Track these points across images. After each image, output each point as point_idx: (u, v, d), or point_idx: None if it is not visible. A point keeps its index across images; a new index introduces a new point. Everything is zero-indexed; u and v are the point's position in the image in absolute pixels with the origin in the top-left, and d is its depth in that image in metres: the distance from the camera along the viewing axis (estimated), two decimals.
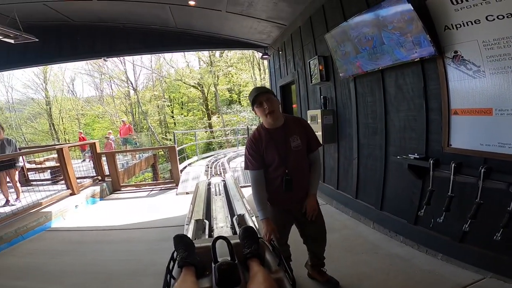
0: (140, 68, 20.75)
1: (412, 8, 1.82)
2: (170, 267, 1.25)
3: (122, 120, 13.22)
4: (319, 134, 3.34)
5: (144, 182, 8.57)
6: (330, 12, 3.03)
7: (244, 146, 1.75)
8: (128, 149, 9.99)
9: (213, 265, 1.21)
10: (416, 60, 2.00)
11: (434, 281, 1.86)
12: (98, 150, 5.69)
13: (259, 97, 1.54)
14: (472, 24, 1.60)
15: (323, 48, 3.26)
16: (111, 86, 21.74)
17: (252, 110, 1.63)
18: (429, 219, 2.02)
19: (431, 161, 1.95)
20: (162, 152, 14.16)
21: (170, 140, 18.76)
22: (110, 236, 3.27)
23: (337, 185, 3.49)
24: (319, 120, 3.38)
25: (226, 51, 17.37)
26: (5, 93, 20.49)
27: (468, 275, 1.85)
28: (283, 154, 1.60)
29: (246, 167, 1.67)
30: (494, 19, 1.49)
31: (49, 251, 2.88)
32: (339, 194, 3.43)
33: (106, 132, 10.67)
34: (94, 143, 5.72)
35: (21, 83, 19.87)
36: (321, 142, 1.81)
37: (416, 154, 2.12)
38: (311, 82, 3.66)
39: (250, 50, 12.51)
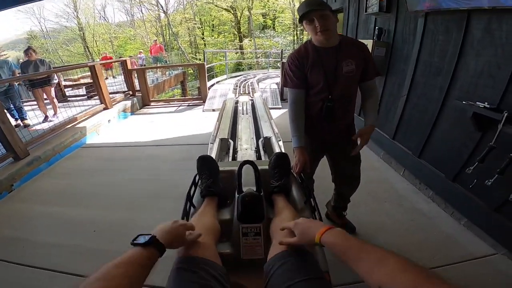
0: None
1: None
2: (191, 193, 1.16)
3: (154, 40, 12.92)
4: None
5: (172, 98, 8.74)
6: None
7: (286, 61, 1.48)
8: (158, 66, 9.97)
9: (236, 195, 1.09)
10: None
11: (449, 246, 1.78)
12: (129, 67, 5.67)
13: (310, 14, 1.25)
14: None
15: None
16: (141, 10, 21.68)
17: (299, 23, 1.34)
18: (472, 179, 1.79)
19: (505, 114, 1.60)
20: (192, 70, 14.04)
21: (200, 59, 18.73)
22: (137, 152, 3.41)
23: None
24: (370, 51, 2.91)
25: None
26: (37, 23, 21.51)
27: (483, 247, 1.76)
28: (331, 78, 1.35)
29: (285, 84, 1.46)
30: None
31: (83, 171, 3.01)
32: (374, 131, 3.18)
33: (137, 52, 10.61)
34: (125, 60, 5.67)
35: (52, 14, 20.23)
36: (380, 72, 1.51)
37: (486, 103, 1.76)
38: (366, 12, 3.04)
39: None
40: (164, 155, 3.28)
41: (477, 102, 1.79)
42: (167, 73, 8.97)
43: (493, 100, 1.76)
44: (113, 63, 8.39)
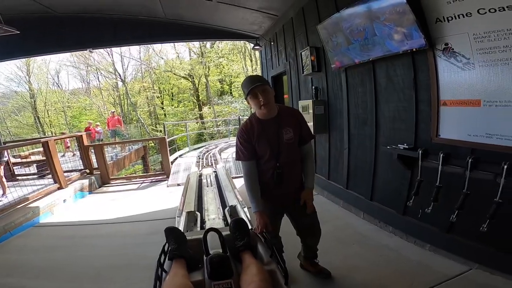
0: (128, 59, 20.22)
1: (405, 1, 1.80)
2: (162, 260, 1.24)
3: (111, 111, 12.93)
4: (310, 124, 3.33)
5: (134, 175, 8.47)
6: (323, 3, 3.00)
7: (236, 136, 1.70)
8: (117, 141, 9.80)
9: (205, 257, 1.21)
10: (407, 51, 2.00)
11: (423, 272, 1.91)
12: (86, 143, 5.56)
13: (254, 89, 1.47)
14: (463, 16, 1.60)
15: (315, 39, 3.23)
16: (98, 78, 21.19)
17: (245, 99, 1.58)
18: (417, 209, 2.06)
19: (420, 152, 1.98)
20: (153, 144, 13.99)
21: (161, 131, 18.59)
22: (100, 230, 3.23)
23: (328, 175, 3.52)
24: (311, 111, 3.39)
25: (217, 42, 17.07)
26: None
27: (455, 266, 1.90)
28: (275, 146, 1.57)
29: (238, 158, 1.62)
30: (485, 13, 1.49)
31: (39, 247, 2.83)
32: (330, 184, 3.48)
33: (94, 125, 10.42)
34: (81, 135, 5.58)
35: (3, 76, 19.18)
36: (313, 133, 1.80)
37: (405, 144, 2.15)
38: (303, 73, 3.65)
39: (241, 41, 12.32)
40: (129, 231, 3.15)
41: (398, 145, 2.19)
42: (127, 148, 8.80)
43: (408, 140, 2.18)
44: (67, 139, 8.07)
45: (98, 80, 21.27)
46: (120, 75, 20.09)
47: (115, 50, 18.27)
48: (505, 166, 1.49)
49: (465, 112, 1.75)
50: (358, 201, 2.90)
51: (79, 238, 3.02)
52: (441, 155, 1.83)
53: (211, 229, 1.33)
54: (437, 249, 2.07)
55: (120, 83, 20.43)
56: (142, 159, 9.44)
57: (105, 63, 19.79)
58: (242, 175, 1.78)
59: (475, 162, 1.65)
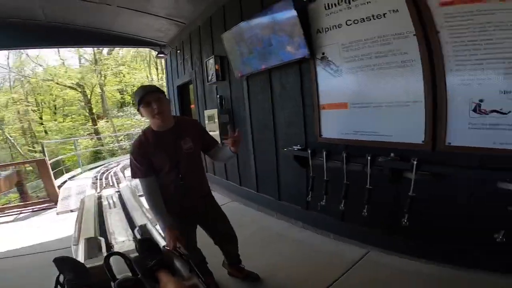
0: None
1: (296, 14, 2.01)
2: None
3: None
4: (216, 133, 3.33)
5: (8, 205, 6.59)
6: (230, 13, 3.09)
7: (129, 153, 1.54)
8: None
9: (112, 284, 1.11)
10: (296, 60, 2.25)
11: (334, 261, 2.06)
12: None
13: (147, 96, 1.39)
14: (336, 28, 1.90)
15: (220, 48, 3.28)
16: None
17: (138, 110, 1.45)
18: (316, 203, 2.27)
19: (309, 151, 2.23)
20: (31, 168, 11.02)
21: (40, 152, 14.89)
22: None
23: (239, 181, 3.57)
24: (216, 120, 3.38)
25: (116, 48, 15.30)
26: None
27: (357, 250, 2.11)
28: (174, 158, 1.48)
29: (134, 175, 1.51)
30: (351, 24, 1.81)
31: None
32: (242, 190, 3.51)
33: None
34: None
35: None
36: (218, 141, 1.78)
37: (298, 145, 2.39)
38: (208, 82, 3.64)
39: (145, 48, 11.46)
40: (8, 268, 2.54)
41: (293, 147, 2.40)
42: None
43: (301, 142, 2.42)
44: None
45: None
46: None
47: None
48: (369, 157, 1.81)
49: (338, 114, 2.08)
50: (269, 202, 3.02)
51: None
52: (324, 152, 2.10)
53: (113, 253, 1.25)
54: (340, 237, 2.29)
55: None
56: (18, 187, 7.45)
57: None
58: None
59: (348, 156, 1.96)
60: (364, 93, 1.89)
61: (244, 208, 3.44)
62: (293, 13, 2.04)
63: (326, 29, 1.99)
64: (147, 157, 1.46)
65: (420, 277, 1.72)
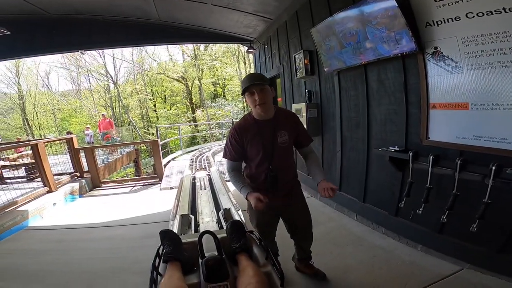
0: (120, 61, 19.90)
1: (396, 5, 1.84)
2: (156, 263, 1.22)
3: (102, 114, 12.70)
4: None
5: (126, 178, 8.37)
6: (316, 7, 3.03)
7: (228, 132, 1.70)
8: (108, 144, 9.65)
9: (200, 260, 1.20)
10: (397, 55, 2.05)
11: (416, 272, 1.93)
12: (76, 145, 5.46)
13: (252, 87, 1.46)
14: (452, 21, 1.64)
15: (308, 43, 3.26)
16: (89, 79, 20.83)
17: (242, 96, 1.55)
18: (409, 210, 2.09)
19: (411, 154, 2.02)
20: (145, 147, 13.81)
21: (153, 134, 18.37)
22: (91, 234, 3.16)
23: None
24: (304, 114, 3.40)
25: (210, 44, 17.01)
26: None
27: (447, 266, 1.93)
28: (269, 149, 1.54)
29: (225, 155, 1.61)
30: (473, 17, 1.54)
31: (28, 251, 2.76)
32: None
33: (84, 127, 10.22)
34: (71, 138, 5.48)
35: None
36: (312, 139, 1.76)
37: (396, 146, 2.19)
38: (296, 76, 3.67)
39: (235, 44, 12.28)
40: (121, 234, 3.09)
41: (390, 147, 2.22)
42: (118, 151, 8.72)
43: (399, 142, 2.21)
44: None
45: (89, 82, 20.97)
46: (112, 77, 19.75)
47: (107, 51, 17.93)
48: (493, 168, 1.53)
49: (453, 115, 1.79)
50: (351, 203, 2.92)
51: (70, 242, 2.96)
52: (431, 157, 1.87)
53: (206, 231, 1.33)
54: (429, 249, 2.10)
55: (111, 85, 20.10)
56: (134, 162, 9.35)
57: (96, 64, 19.45)
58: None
59: (464, 164, 1.70)
60: (493, 93, 1.57)
61: (321, 204, 3.40)
62: (392, 4, 1.85)
63: (439, 22, 1.72)
64: (242, 145, 1.53)
65: None
